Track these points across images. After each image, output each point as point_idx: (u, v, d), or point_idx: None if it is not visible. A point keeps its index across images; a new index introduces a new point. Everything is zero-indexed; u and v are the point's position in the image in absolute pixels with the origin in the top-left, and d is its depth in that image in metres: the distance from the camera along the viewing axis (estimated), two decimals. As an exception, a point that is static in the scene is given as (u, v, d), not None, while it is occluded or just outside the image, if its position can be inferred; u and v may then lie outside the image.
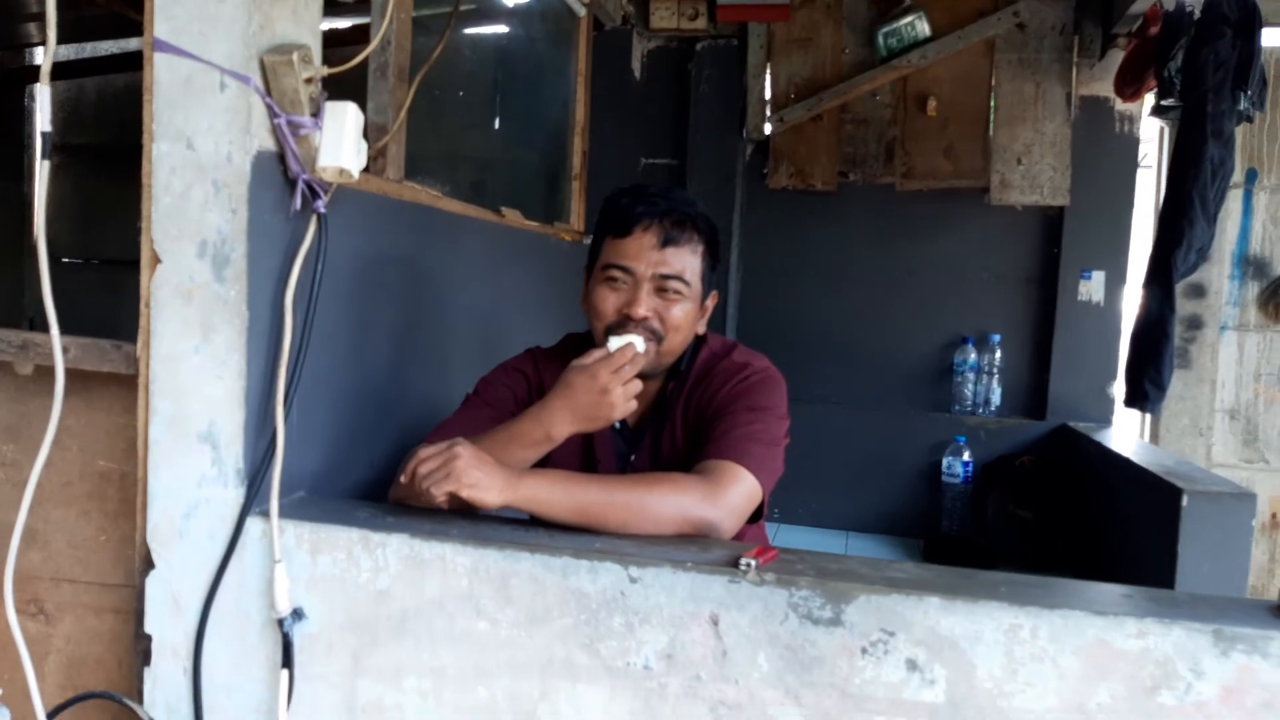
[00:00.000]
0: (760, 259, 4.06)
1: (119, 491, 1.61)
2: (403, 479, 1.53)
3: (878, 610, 1.30)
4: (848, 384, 3.96)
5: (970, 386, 3.80)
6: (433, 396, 2.16)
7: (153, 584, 1.52)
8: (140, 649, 1.53)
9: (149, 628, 1.52)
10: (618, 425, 1.80)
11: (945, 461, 3.71)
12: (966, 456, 3.67)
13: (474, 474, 1.45)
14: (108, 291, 3.28)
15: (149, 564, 1.52)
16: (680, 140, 4.06)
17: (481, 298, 2.58)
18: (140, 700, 1.52)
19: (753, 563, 1.36)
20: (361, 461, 1.91)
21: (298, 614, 1.46)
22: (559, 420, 1.57)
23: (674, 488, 1.54)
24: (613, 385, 1.53)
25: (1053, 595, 1.30)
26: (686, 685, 1.35)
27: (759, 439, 1.66)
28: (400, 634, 1.44)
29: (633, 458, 1.80)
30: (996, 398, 3.80)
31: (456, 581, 1.42)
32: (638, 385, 1.58)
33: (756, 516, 1.67)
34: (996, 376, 3.79)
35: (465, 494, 1.45)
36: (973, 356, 3.80)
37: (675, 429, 1.78)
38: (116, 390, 1.58)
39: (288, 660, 1.45)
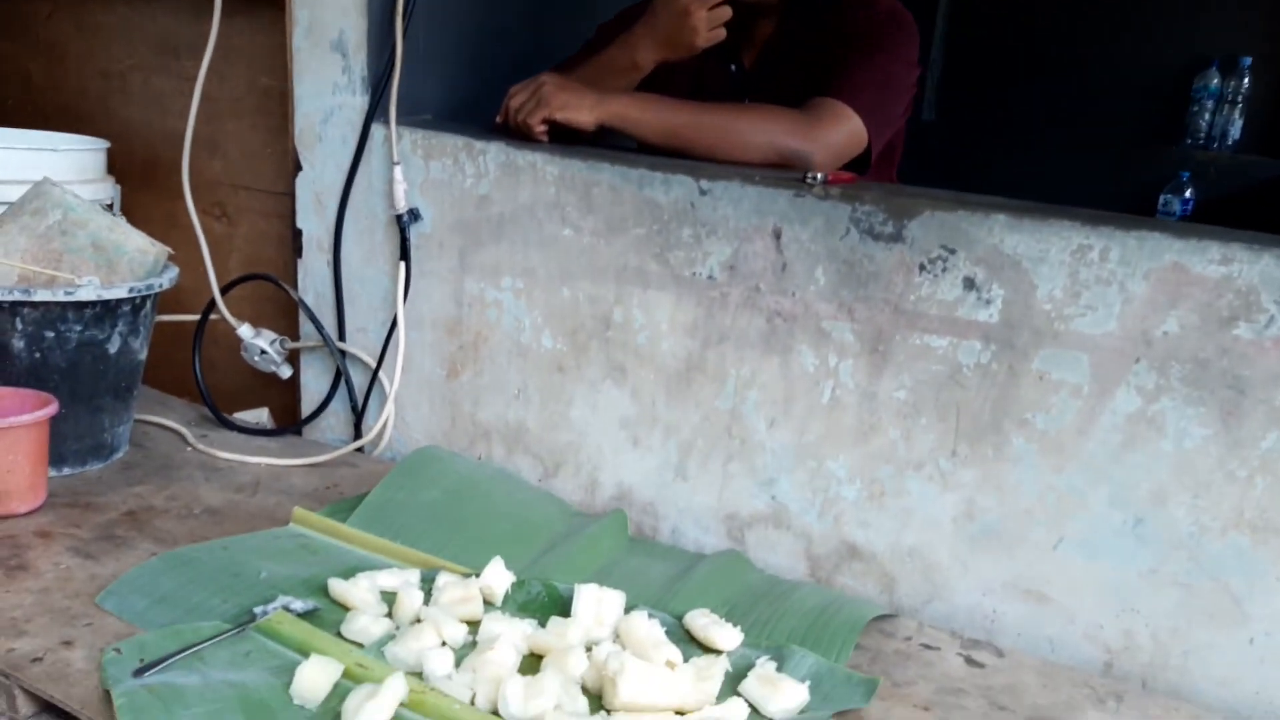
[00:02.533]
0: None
1: (279, 106, 1.80)
2: (498, 119, 1.60)
3: (941, 227, 1.26)
4: (1062, 104, 3.58)
5: (1207, 116, 3.35)
6: (570, 52, 2.20)
7: (301, 185, 1.73)
8: (295, 245, 1.77)
9: (299, 224, 1.75)
10: (733, 68, 1.77)
11: (1162, 199, 3.36)
12: (1188, 194, 3.30)
13: (562, 96, 1.50)
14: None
15: (297, 166, 1.72)
16: None
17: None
18: (295, 287, 1.77)
19: (819, 176, 1.34)
20: (486, 104, 1.99)
21: (414, 214, 1.62)
22: (642, 46, 1.56)
23: (767, 116, 1.52)
24: (694, 8, 1.49)
25: (1130, 221, 1.21)
26: (746, 295, 1.39)
27: (874, 83, 1.58)
28: (498, 237, 1.57)
29: (746, 100, 1.78)
30: (1236, 130, 3.33)
31: (545, 189, 1.51)
32: (725, 13, 1.52)
33: (862, 168, 1.62)
34: (1240, 106, 3.31)
35: (558, 115, 1.50)
36: (1215, 81, 3.32)
37: (793, 71, 1.72)
38: (275, 13, 1.73)
39: (405, 254, 1.63)
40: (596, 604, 1.17)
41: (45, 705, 0.97)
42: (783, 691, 1.05)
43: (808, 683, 1.07)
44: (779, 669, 1.10)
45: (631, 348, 1.48)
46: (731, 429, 1.43)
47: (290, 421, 1.83)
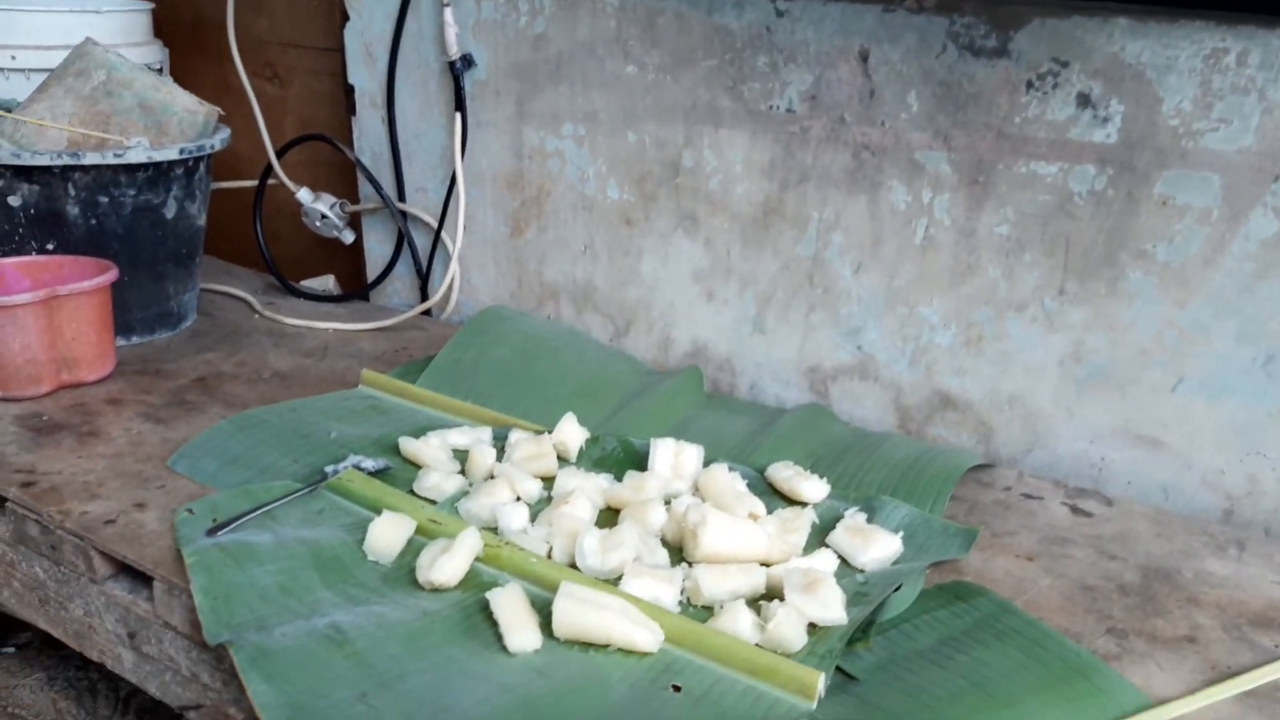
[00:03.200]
0: None
1: (320, -46, 1.69)
2: None
3: (1052, 36, 1.12)
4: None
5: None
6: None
7: (349, 36, 1.63)
8: (349, 102, 1.69)
9: (351, 79, 1.66)
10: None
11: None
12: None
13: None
14: None
15: (344, 17, 1.62)
16: None
17: None
18: (351, 147, 1.70)
19: (911, -15, 1.19)
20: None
21: (467, 60, 1.51)
22: None
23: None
24: None
25: (1273, 20, 1.04)
26: (829, 128, 1.27)
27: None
28: (557, 79, 1.46)
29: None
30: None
31: (605, 23, 1.39)
32: None
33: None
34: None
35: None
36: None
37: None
38: None
39: (460, 104, 1.53)
40: (674, 457, 1.11)
41: (121, 566, 0.97)
42: (875, 542, 0.99)
43: (901, 533, 1.01)
44: (869, 520, 1.04)
45: (703, 194, 1.38)
46: (813, 277, 1.33)
47: (357, 287, 1.80)
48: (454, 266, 1.60)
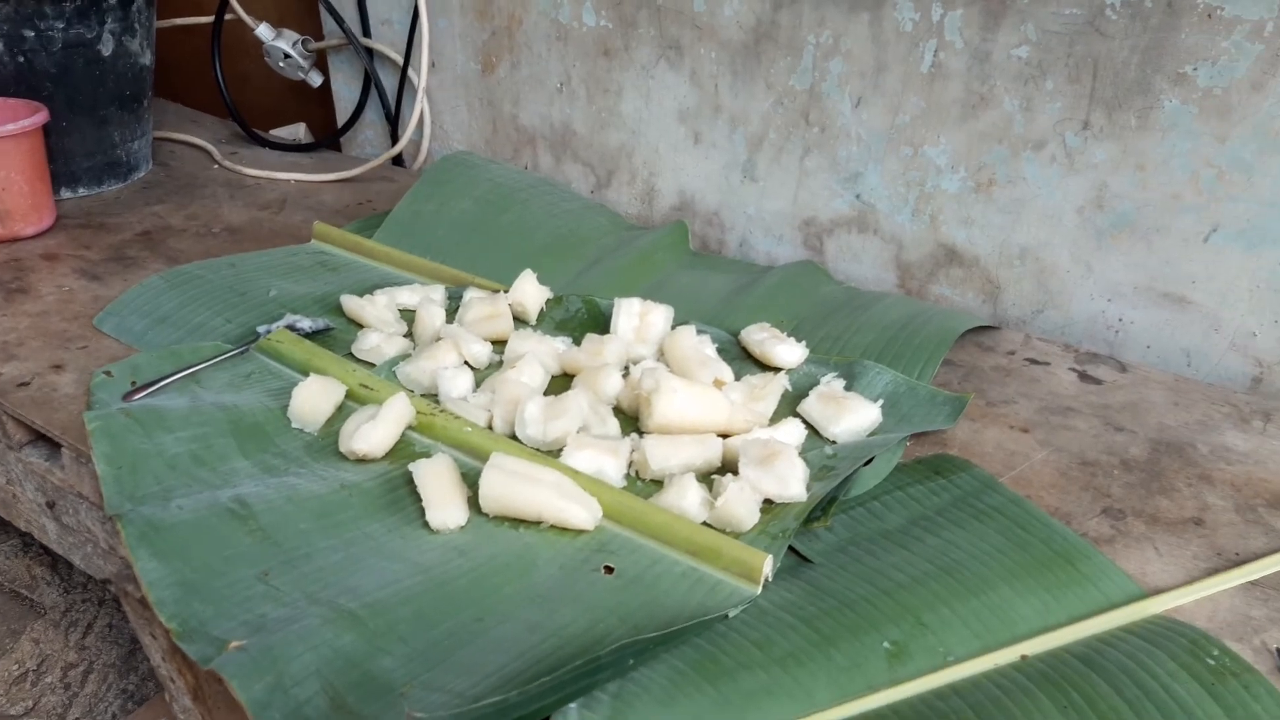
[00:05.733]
0: None
1: None
2: None
3: None
4: None
5: None
6: None
7: None
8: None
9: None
10: None
11: None
12: None
13: None
14: None
15: None
16: None
17: None
18: (312, -23, 1.55)
19: None
20: None
21: None
22: None
23: None
24: None
25: None
26: (827, -62, 1.10)
27: None
28: (524, -111, 1.28)
29: None
30: None
31: None
32: None
33: None
34: None
35: None
36: None
37: None
38: None
39: (421, -77, 1.37)
40: (639, 319, 1.01)
41: (36, 433, 0.91)
42: (849, 411, 0.89)
43: (880, 402, 0.91)
44: (848, 387, 0.94)
45: (688, 16, 1.22)
46: (809, 113, 1.19)
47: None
48: (420, 106, 1.47)
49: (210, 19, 1.58)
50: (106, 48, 1.31)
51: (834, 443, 0.88)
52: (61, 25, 1.26)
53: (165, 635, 0.81)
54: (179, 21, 1.62)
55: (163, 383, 0.91)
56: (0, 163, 1.16)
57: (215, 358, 0.96)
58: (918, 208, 1.15)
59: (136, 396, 0.89)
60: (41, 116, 1.20)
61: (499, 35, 1.39)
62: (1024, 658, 0.67)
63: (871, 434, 0.89)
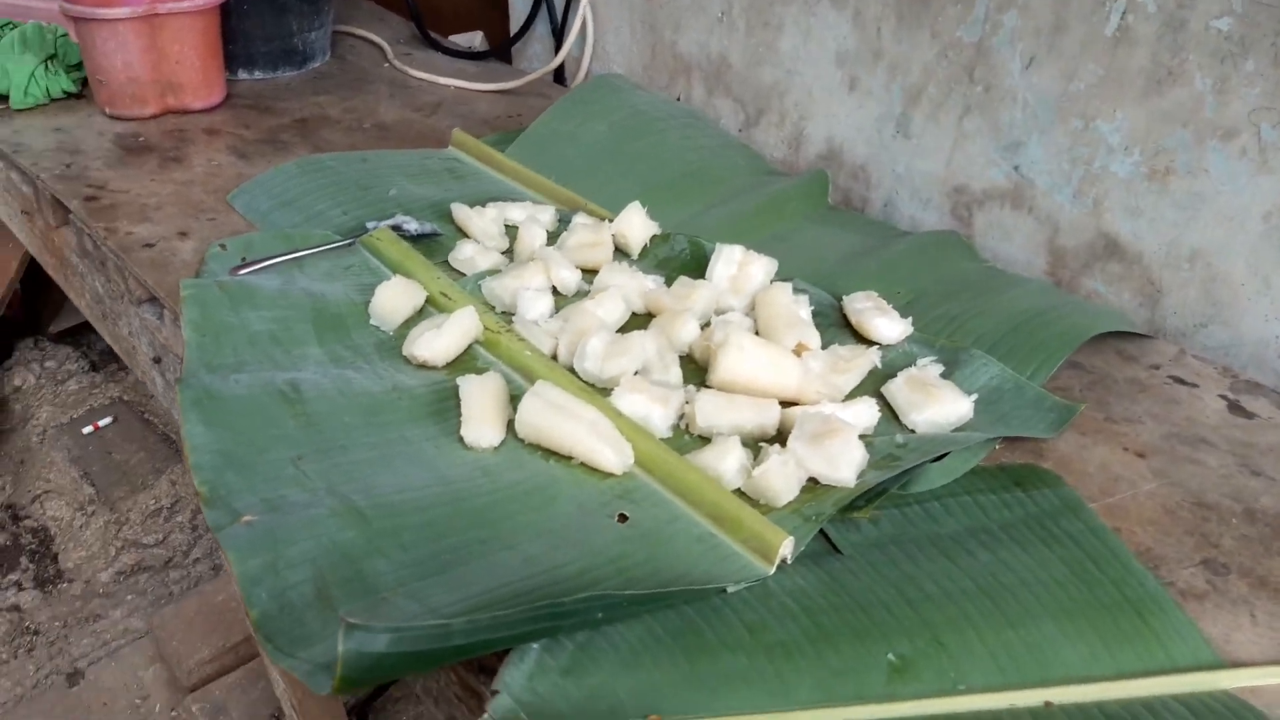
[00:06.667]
0: None
1: None
2: None
3: None
4: None
5: None
6: None
7: None
8: None
9: None
10: None
11: None
12: None
13: None
14: None
15: None
16: None
17: None
18: (503, -117, 1.54)
19: None
20: None
21: None
22: None
23: None
24: None
25: None
26: None
27: None
28: None
29: None
30: None
31: None
32: None
33: None
34: None
35: None
36: None
37: None
38: None
39: None
40: (738, 268, 0.96)
41: (152, 295, 0.97)
42: (937, 400, 0.81)
43: (975, 396, 0.82)
44: (946, 375, 0.85)
45: (857, -47, 1.13)
46: (974, 70, 1.07)
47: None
48: (583, 18, 1.44)
49: (404, -81, 1.62)
50: (294, -63, 1.36)
51: (911, 432, 0.81)
52: (254, -89, 1.31)
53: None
54: (374, -81, 1.67)
55: (267, 262, 0.95)
56: (175, 37, 1.24)
57: (320, 246, 1.00)
58: (1081, 189, 1.02)
59: (241, 271, 0.94)
60: (221, -2, 1.27)
61: (668, -44, 1.34)
62: (1048, 704, 0.59)
63: (957, 430, 0.81)
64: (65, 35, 1.33)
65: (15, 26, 1.33)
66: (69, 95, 1.31)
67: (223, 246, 0.98)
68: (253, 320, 0.87)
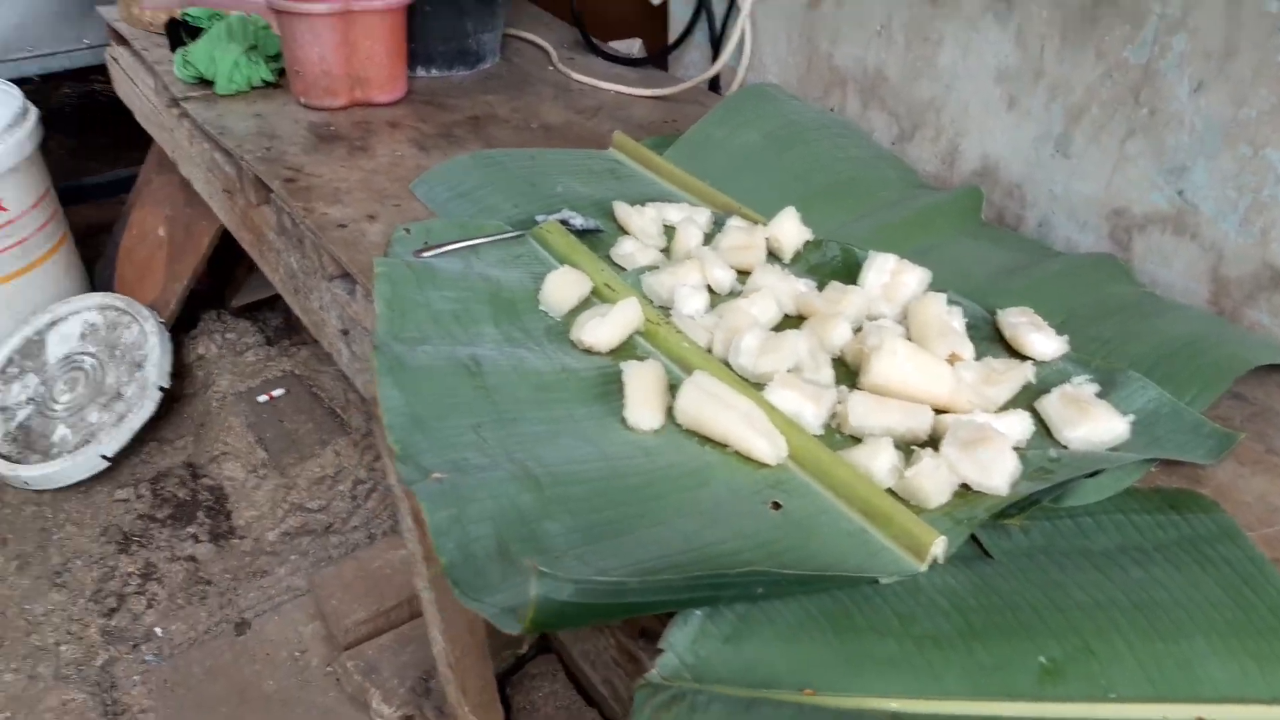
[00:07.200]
0: None
1: None
2: None
3: None
4: None
5: None
6: None
7: None
8: None
9: None
10: None
11: None
12: None
13: None
14: None
15: None
16: None
17: None
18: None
19: None
20: None
21: None
22: None
23: None
24: None
25: None
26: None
27: None
28: None
29: None
30: None
31: None
32: None
33: None
34: None
35: None
36: None
37: None
38: None
39: None
40: (890, 276, 0.98)
41: (344, 270, 1.06)
42: (1092, 418, 0.81)
43: (1131, 417, 0.82)
44: (1101, 394, 0.86)
45: (1027, -28, 1.14)
46: (1140, 92, 1.07)
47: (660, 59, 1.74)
48: (742, 29, 1.48)
49: (574, -71, 1.69)
50: (476, -55, 1.45)
51: (1064, 448, 0.82)
52: (442, -80, 1.40)
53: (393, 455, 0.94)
54: (546, -71, 1.75)
55: (447, 247, 1.03)
56: (366, 34, 1.33)
57: (495, 235, 1.07)
58: (1248, 217, 1.01)
59: (424, 254, 1.02)
60: None
61: (831, -29, 1.37)
62: (1199, 720, 0.60)
63: (1112, 449, 0.82)
64: (265, 28, 1.46)
65: (222, 18, 1.46)
66: (266, 84, 1.43)
67: (407, 230, 1.06)
68: (435, 299, 0.95)
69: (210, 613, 1.48)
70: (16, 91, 1.90)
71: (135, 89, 1.67)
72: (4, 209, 1.81)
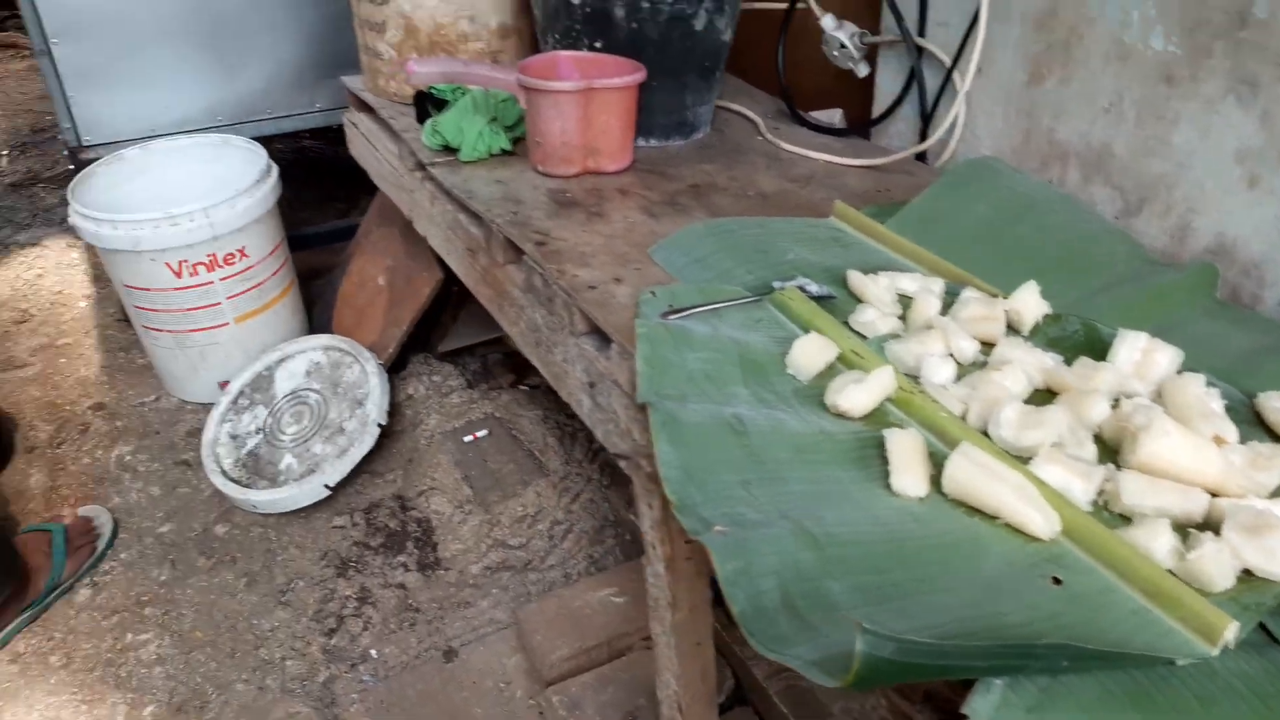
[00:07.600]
0: None
1: None
2: None
3: None
4: None
5: None
6: None
7: None
8: (890, -74, 1.63)
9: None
10: None
11: None
12: None
13: None
14: None
15: None
16: None
17: None
18: (884, -25, 1.65)
19: None
20: None
21: (1024, -120, 1.36)
22: None
23: None
24: None
25: None
26: None
27: None
28: (1125, -96, 1.25)
29: None
30: None
31: None
32: None
33: None
34: None
35: None
36: None
37: None
38: None
39: (1005, -68, 1.40)
40: (1141, 354, 0.98)
41: (592, 326, 1.14)
42: (1375, 511, 0.80)
43: None
44: (1384, 486, 0.84)
45: (1273, 53, 1.13)
46: None
47: (862, 125, 1.79)
48: (959, 103, 1.51)
49: (784, 5, 1.77)
50: (699, 23, 1.54)
51: (1348, 538, 0.80)
52: (669, 1, 1.50)
53: (661, 507, 0.99)
54: (758, 5, 1.83)
55: (693, 310, 1.09)
56: (604, 109, 1.43)
57: (736, 299, 1.12)
58: None
59: (671, 317, 1.08)
60: (640, 75, 1.45)
61: (1054, 48, 1.38)
62: None
63: (1398, 543, 0.79)
64: (505, 100, 1.58)
65: (465, 93, 1.60)
66: (504, 153, 1.55)
67: (652, 293, 1.13)
68: (689, 359, 1.00)
69: (420, 639, 1.57)
70: (261, 150, 2.11)
71: (374, 151, 1.83)
72: (246, 255, 2.00)
